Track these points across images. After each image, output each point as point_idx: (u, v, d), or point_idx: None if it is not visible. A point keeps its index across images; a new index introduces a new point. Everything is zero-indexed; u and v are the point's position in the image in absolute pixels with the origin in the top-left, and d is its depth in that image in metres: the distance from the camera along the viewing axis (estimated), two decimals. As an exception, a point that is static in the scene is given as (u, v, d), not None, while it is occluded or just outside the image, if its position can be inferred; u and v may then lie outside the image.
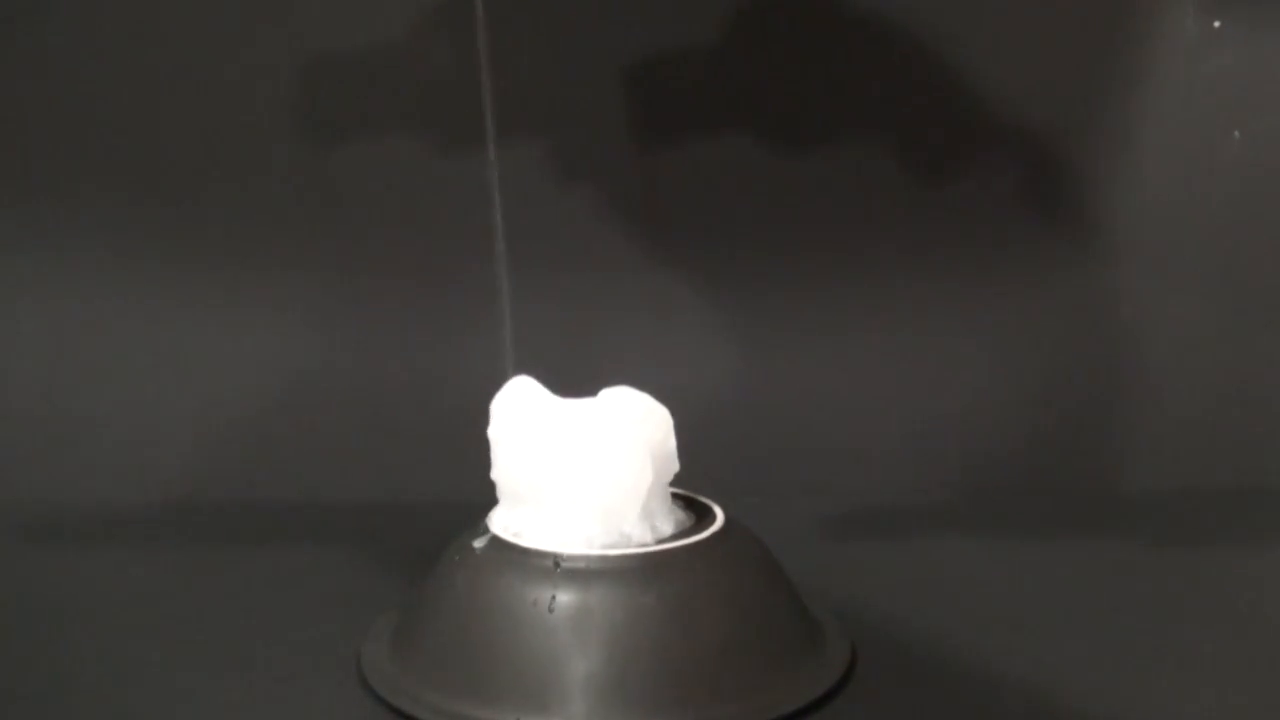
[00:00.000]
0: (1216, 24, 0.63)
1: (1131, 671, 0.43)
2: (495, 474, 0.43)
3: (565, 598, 0.39)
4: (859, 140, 0.65)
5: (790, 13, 0.63)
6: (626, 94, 0.64)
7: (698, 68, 0.64)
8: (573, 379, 0.43)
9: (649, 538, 0.41)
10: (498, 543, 0.41)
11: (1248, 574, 0.52)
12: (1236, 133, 0.64)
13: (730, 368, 0.66)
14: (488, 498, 0.44)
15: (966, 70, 0.63)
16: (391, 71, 0.64)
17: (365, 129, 0.65)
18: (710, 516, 0.43)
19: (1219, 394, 0.65)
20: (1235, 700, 0.41)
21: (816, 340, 0.66)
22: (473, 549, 0.42)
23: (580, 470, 0.41)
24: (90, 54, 0.65)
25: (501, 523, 0.42)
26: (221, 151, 0.65)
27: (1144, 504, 0.61)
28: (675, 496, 0.44)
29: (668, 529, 0.42)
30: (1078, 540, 0.56)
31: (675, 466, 0.42)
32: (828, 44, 0.64)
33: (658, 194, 0.65)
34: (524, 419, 0.42)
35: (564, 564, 0.39)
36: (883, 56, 0.64)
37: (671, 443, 0.42)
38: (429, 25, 0.63)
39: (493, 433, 0.43)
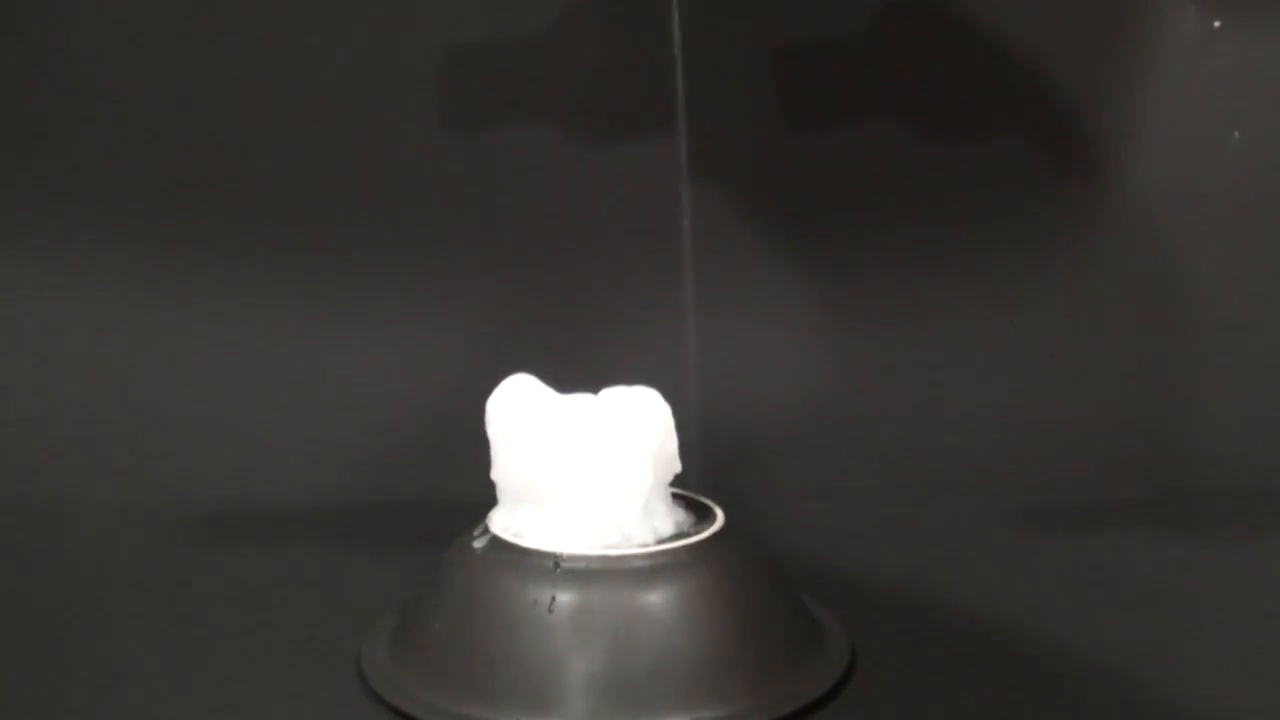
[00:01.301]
0: (1217, 24, 0.63)
1: (1130, 658, 0.43)
2: (495, 474, 0.43)
3: (565, 598, 0.39)
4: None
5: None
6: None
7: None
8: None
9: (649, 538, 0.41)
10: (498, 543, 0.41)
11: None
12: (1237, 133, 0.64)
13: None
14: (488, 497, 0.44)
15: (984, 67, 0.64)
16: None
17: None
18: (710, 517, 0.43)
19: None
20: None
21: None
22: (473, 549, 0.42)
23: (580, 470, 0.41)
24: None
25: (501, 523, 0.42)
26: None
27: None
28: (675, 497, 0.44)
29: (668, 529, 0.42)
30: (1099, 536, 0.56)
31: (677, 467, 0.42)
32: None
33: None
34: (523, 418, 0.42)
35: (564, 564, 0.39)
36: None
37: (672, 443, 0.42)
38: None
39: (492, 432, 0.43)
